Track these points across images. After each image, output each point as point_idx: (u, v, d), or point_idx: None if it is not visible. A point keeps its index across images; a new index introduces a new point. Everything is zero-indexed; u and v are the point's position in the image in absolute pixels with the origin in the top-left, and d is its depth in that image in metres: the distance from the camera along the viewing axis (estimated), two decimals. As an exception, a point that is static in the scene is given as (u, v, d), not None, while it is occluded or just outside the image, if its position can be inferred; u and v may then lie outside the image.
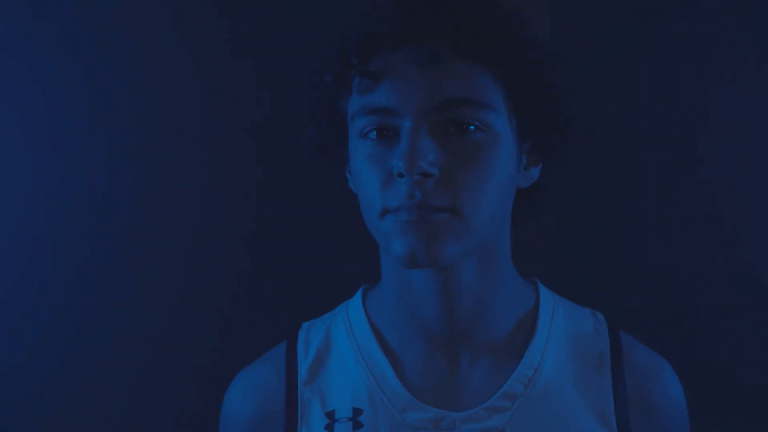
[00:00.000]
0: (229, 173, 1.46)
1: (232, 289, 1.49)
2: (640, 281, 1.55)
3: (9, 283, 1.42)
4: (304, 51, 0.92)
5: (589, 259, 1.60)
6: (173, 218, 1.45)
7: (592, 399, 0.94)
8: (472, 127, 0.85)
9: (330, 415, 0.95)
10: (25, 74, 1.40)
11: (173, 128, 1.43)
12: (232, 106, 1.44)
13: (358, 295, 1.02)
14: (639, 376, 0.96)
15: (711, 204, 1.52)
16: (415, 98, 0.84)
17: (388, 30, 0.86)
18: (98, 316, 1.44)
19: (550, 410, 0.92)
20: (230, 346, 1.38)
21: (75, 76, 1.42)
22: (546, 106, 0.91)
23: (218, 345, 1.46)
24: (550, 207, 1.01)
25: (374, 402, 0.93)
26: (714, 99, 1.49)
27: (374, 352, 0.96)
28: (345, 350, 0.99)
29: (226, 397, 1.03)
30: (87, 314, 1.44)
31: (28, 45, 1.40)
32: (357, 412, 0.94)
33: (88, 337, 1.44)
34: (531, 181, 0.95)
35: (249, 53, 1.44)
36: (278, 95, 1.38)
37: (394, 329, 0.97)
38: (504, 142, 0.87)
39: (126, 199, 1.43)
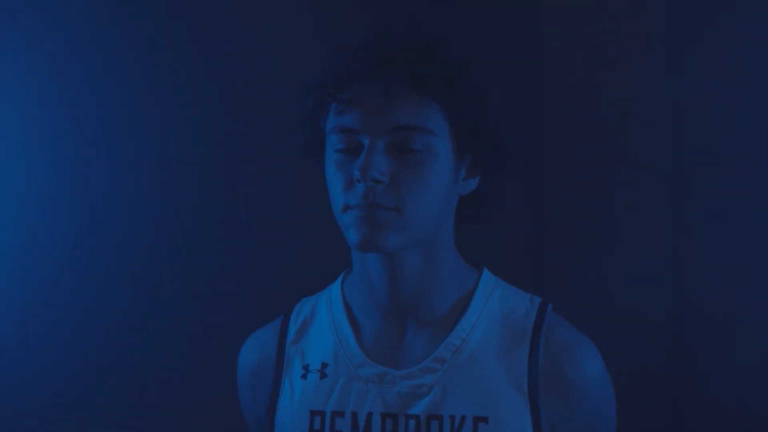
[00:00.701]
0: (243, 177, 1.74)
1: (249, 276, 1.78)
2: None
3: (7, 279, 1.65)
4: (295, 81, 1.16)
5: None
6: (187, 221, 1.75)
7: (511, 368, 1.11)
8: (416, 147, 1.07)
9: (306, 367, 1.19)
10: (23, 77, 1.62)
11: (191, 138, 1.71)
12: (239, 123, 1.73)
13: (340, 278, 1.26)
14: (555, 352, 1.12)
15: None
16: (374, 122, 1.06)
17: (357, 68, 1.08)
18: (107, 316, 1.73)
19: (473, 374, 1.11)
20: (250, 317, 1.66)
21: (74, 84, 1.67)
22: (480, 132, 1.11)
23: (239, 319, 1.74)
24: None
25: (337, 358, 1.17)
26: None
27: (342, 321, 1.20)
28: (324, 319, 1.23)
29: (240, 351, 1.29)
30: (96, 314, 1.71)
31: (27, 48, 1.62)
32: (324, 365, 1.18)
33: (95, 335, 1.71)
34: (469, 189, 1.16)
35: (251, 81, 1.73)
36: (274, 113, 1.64)
37: (358, 304, 1.20)
38: (442, 159, 1.09)
39: (140, 198, 1.71)
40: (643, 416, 1.86)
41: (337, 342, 1.19)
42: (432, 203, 1.09)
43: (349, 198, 1.08)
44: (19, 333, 1.68)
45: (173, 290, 1.76)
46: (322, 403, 1.16)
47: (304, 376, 1.19)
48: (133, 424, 1.75)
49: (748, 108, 1.77)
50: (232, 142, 1.78)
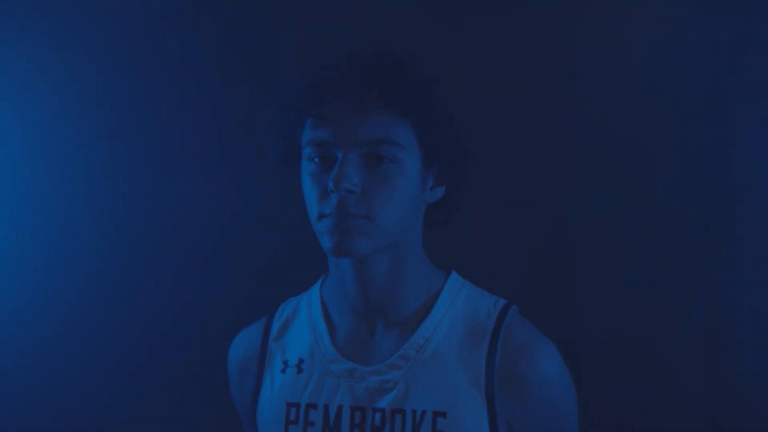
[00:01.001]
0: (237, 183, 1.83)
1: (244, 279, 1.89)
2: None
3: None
4: (275, 96, 1.24)
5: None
6: (181, 223, 1.84)
7: (470, 366, 1.18)
8: (386, 159, 1.15)
9: (285, 362, 1.28)
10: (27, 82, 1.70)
11: (181, 142, 1.81)
12: (232, 127, 1.83)
13: (319, 280, 1.34)
14: (511, 351, 1.18)
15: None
16: (347, 137, 1.14)
17: (332, 86, 1.16)
18: (105, 318, 1.81)
19: (434, 371, 1.19)
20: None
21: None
22: (446, 145, 1.19)
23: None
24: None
25: (313, 355, 1.26)
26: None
27: (319, 321, 1.28)
28: (303, 318, 1.31)
29: (229, 347, 1.38)
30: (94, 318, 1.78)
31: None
32: (301, 361, 1.27)
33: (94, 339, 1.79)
34: (436, 198, 1.23)
35: (234, 98, 1.84)
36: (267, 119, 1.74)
37: (334, 305, 1.28)
38: (410, 170, 1.17)
39: (128, 200, 1.78)
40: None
41: (314, 340, 1.27)
42: (400, 211, 1.17)
43: (324, 207, 1.15)
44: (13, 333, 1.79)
45: (169, 291, 1.84)
46: (298, 395, 1.24)
47: (283, 371, 1.28)
48: (131, 421, 1.83)
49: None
50: (224, 145, 1.86)
